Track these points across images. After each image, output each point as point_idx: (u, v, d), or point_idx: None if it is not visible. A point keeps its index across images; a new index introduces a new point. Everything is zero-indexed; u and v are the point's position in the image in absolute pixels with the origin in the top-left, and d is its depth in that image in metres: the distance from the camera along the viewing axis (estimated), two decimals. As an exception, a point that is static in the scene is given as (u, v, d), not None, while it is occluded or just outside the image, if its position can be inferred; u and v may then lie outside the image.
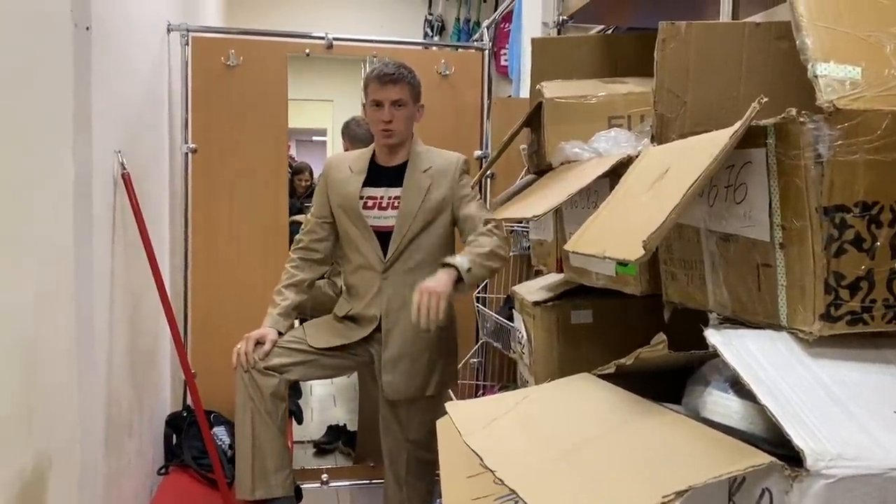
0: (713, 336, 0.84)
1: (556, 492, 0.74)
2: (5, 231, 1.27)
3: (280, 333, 2.14)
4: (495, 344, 2.76)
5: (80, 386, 1.66)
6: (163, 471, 2.56)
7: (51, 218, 1.50)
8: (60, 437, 1.54)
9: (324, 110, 6.51)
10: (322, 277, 2.89)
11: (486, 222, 2.05)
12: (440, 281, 1.92)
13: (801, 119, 0.81)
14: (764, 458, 0.69)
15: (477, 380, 3.06)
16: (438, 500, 2.12)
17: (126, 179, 2.03)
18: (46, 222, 1.48)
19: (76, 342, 1.64)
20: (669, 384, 0.99)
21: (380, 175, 2.18)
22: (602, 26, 2.46)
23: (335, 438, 3.46)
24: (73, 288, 1.62)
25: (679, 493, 0.65)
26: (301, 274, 2.23)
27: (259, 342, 2.10)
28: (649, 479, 0.70)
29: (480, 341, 3.01)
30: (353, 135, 3.10)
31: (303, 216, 3.09)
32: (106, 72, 1.85)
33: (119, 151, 2.01)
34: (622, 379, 1.04)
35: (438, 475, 1.70)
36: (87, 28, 1.67)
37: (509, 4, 3.51)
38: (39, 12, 1.44)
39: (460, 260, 1.94)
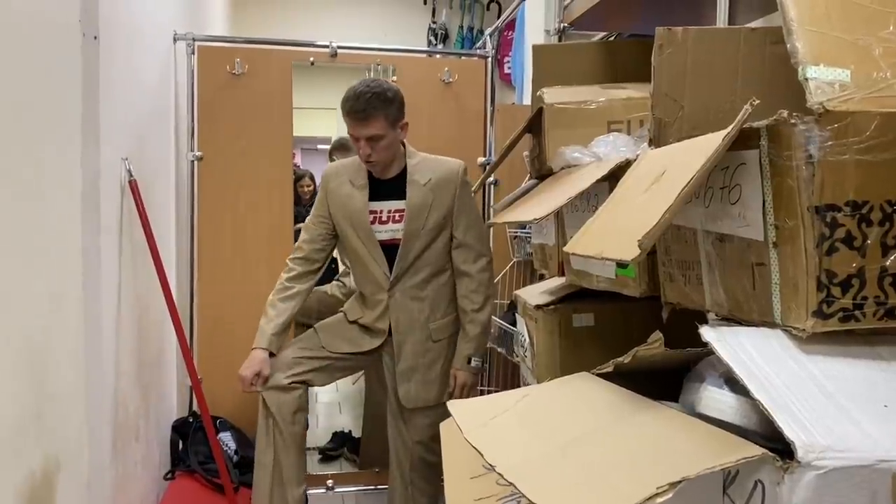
0: (708, 333, 0.86)
1: (554, 484, 0.75)
2: (15, 237, 1.29)
3: (271, 353, 2.15)
4: (499, 349, 2.77)
5: (87, 391, 1.68)
6: (169, 476, 2.58)
7: (59, 224, 1.53)
8: (69, 441, 1.56)
9: (329, 119, 6.54)
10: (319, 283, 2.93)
11: (478, 258, 2.18)
12: (468, 382, 2.23)
13: (793, 121, 0.83)
14: (756, 451, 0.70)
15: (482, 385, 3.07)
16: (444, 504, 2.15)
17: (133, 187, 2.06)
18: (55, 229, 1.50)
19: (84, 347, 1.66)
20: (669, 383, 1.00)
21: (379, 188, 2.19)
22: (604, 33, 2.48)
23: (340, 445, 3.48)
24: (82, 294, 1.65)
25: (672, 485, 0.67)
26: (298, 285, 2.22)
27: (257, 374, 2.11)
28: (644, 472, 0.71)
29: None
30: (344, 147, 3.14)
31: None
32: (113, 80, 1.88)
33: (126, 159, 2.03)
34: (622, 378, 1.05)
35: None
36: (95, 37, 1.70)
37: (512, 12, 3.54)
38: (48, 22, 1.46)
39: (474, 363, 2.21)
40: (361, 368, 2.50)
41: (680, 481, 0.67)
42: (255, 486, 2.17)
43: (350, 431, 3.54)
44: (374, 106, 1.99)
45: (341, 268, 3.34)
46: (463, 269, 2.18)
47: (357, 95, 2.00)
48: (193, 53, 2.78)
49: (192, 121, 2.81)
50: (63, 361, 1.53)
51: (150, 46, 2.37)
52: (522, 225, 2.69)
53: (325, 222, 2.23)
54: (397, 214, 2.16)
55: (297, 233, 3.10)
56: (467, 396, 2.18)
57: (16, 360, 1.30)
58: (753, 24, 1.79)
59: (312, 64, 2.97)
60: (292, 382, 2.11)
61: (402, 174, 2.17)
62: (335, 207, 2.20)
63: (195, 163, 2.81)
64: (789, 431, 0.70)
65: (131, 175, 2.05)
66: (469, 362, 2.19)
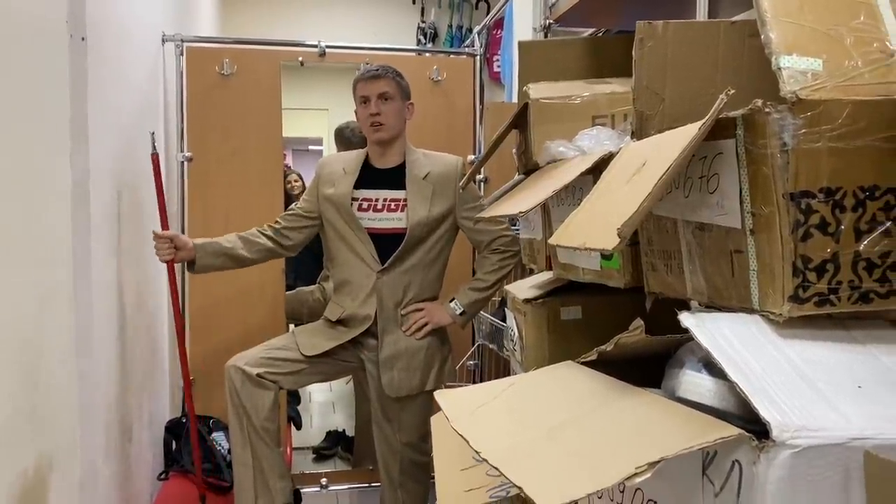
0: (687, 319, 0.87)
1: (536, 467, 0.77)
2: (5, 237, 1.30)
3: (192, 263, 2.21)
4: (490, 346, 2.78)
5: (79, 391, 1.68)
6: (162, 476, 2.59)
7: (50, 224, 1.54)
8: (61, 441, 1.57)
9: (319, 119, 6.55)
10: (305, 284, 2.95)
11: (494, 240, 2.24)
12: (440, 316, 2.22)
13: (767, 110, 0.85)
14: (732, 431, 0.72)
15: (473, 381, 3.09)
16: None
17: (154, 160, 2.22)
18: (46, 228, 1.51)
19: (76, 346, 1.66)
20: (654, 370, 1.02)
21: (374, 177, 2.22)
22: (590, 29, 2.50)
23: (334, 444, 3.50)
24: (73, 293, 1.65)
25: (651, 464, 0.68)
26: (259, 239, 2.26)
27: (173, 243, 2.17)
28: (625, 453, 0.73)
29: (476, 344, 3.04)
30: (347, 141, 3.15)
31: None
32: (102, 82, 1.88)
33: (153, 132, 2.22)
34: (606, 366, 1.07)
35: (434, 477, 1.75)
36: (83, 39, 1.71)
37: (500, 10, 3.55)
38: (36, 23, 1.47)
39: (454, 305, 2.23)
40: (339, 374, 2.49)
41: (658, 461, 0.69)
42: (237, 486, 2.17)
43: (344, 430, 3.56)
44: (388, 71, 2.19)
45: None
46: (483, 253, 2.28)
47: (370, 66, 2.24)
48: (182, 54, 2.78)
49: (181, 122, 2.81)
50: (55, 361, 1.54)
51: (138, 47, 2.37)
52: (511, 220, 2.71)
53: (310, 206, 2.28)
54: (393, 203, 2.19)
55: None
56: (419, 328, 2.20)
57: (8, 360, 1.31)
58: (736, 18, 1.81)
59: (302, 64, 2.97)
60: (260, 375, 2.11)
61: (401, 167, 2.21)
62: (323, 190, 2.24)
63: (184, 164, 2.81)
64: (765, 412, 0.72)
65: (154, 149, 2.20)
66: (450, 301, 2.24)
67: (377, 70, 2.17)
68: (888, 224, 0.85)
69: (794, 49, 0.86)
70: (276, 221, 2.30)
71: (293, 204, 2.37)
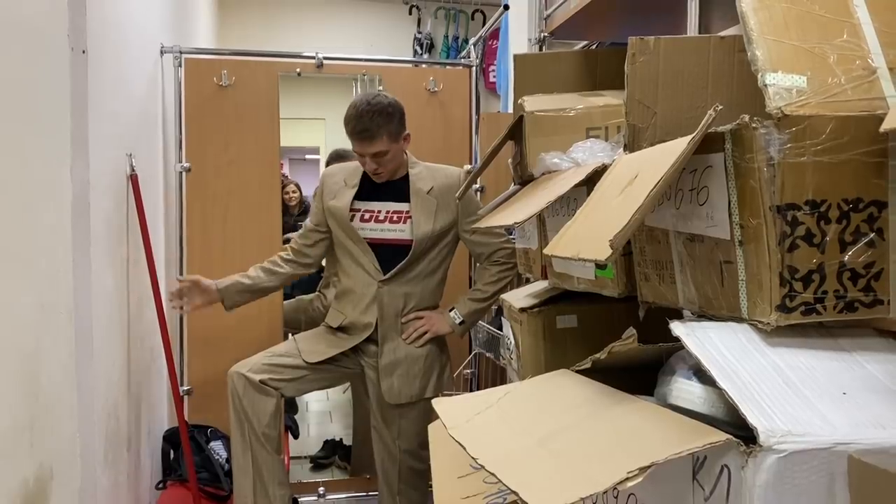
0: (678, 328, 0.90)
1: (532, 473, 0.79)
2: (6, 247, 1.32)
3: (223, 302, 2.29)
4: (487, 354, 2.80)
5: (79, 400, 1.70)
6: (161, 486, 2.59)
7: (50, 235, 1.55)
8: (61, 451, 1.58)
9: (316, 129, 6.57)
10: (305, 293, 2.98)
11: (494, 252, 2.28)
12: (439, 324, 2.25)
13: (754, 125, 0.88)
14: (721, 436, 0.75)
15: (469, 390, 3.10)
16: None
17: (133, 181, 2.20)
18: (46, 239, 1.53)
19: (75, 356, 1.68)
20: (648, 378, 1.04)
21: (376, 189, 2.25)
22: (584, 42, 2.54)
23: (331, 453, 3.50)
24: (72, 304, 1.67)
25: (642, 469, 0.70)
26: (281, 268, 2.32)
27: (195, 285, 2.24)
28: (617, 459, 0.75)
29: (473, 352, 3.05)
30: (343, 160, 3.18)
31: (295, 234, 3.16)
32: (102, 93, 1.90)
33: (130, 154, 2.17)
34: (601, 374, 1.09)
35: (432, 485, 1.77)
36: (84, 52, 1.73)
37: (495, 22, 3.58)
38: (38, 37, 1.49)
39: (454, 314, 2.26)
40: (339, 381, 2.51)
41: (650, 466, 0.71)
42: (237, 493, 2.19)
43: (341, 439, 3.56)
44: (378, 124, 2.06)
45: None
46: (483, 264, 2.32)
47: (359, 115, 2.06)
48: (180, 66, 2.81)
49: (180, 132, 2.83)
50: (55, 371, 1.55)
51: (137, 60, 2.40)
52: (507, 229, 2.73)
53: (319, 219, 2.32)
54: (395, 215, 2.22)
55: (286, 243, 3.15)
56: (418, 335, 2.23)
57: (8, 370, 1.32)
58: (728, 32, 1.84)
59: (299, 75, 3.00)
60: (263, 381, 2.13)
61: (404, 179, 2.24)
62: (327, 202, 2.29)
63: (183, 174, 2.84)
64: (752, 418, 0.74)
65: (133, 170, 2.18)
66: (450, 311, 2.27)
67: (368, 129, 2.04)
68: (872, 235, 0.88)
69: (780, 66, 0.89)
70: (294, 242, 2.36)
71: (306, 221, 2.41)
